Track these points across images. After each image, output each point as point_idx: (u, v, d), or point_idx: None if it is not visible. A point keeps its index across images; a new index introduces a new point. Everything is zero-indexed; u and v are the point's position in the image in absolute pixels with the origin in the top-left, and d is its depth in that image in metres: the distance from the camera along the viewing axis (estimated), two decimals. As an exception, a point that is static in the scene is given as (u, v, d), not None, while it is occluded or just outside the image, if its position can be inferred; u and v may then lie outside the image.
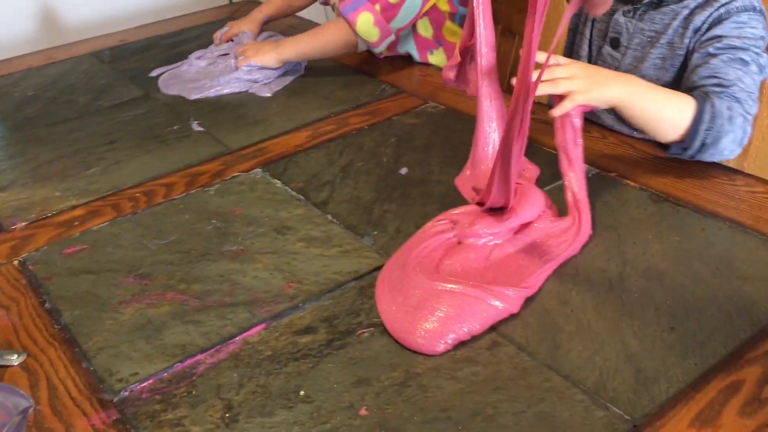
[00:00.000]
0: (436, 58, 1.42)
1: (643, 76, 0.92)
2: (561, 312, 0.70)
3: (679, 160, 0.91)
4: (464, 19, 1.49)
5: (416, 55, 1.38)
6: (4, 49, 1.59)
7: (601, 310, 0.70)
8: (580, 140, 0.82)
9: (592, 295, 0.72)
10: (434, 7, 1.37)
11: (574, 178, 0.82)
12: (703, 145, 0.86)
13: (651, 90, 0.86)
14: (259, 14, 1.48)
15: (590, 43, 1.08)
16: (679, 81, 0.96)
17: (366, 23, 1.24)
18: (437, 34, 1.41)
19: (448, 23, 1.42)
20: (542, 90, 0.80)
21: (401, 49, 1.36)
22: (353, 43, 1.28)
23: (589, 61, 1.08)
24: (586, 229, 0.80)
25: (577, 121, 0.81)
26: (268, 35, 1.47)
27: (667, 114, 0.86)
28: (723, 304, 0.69)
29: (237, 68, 1.30)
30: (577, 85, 0.81)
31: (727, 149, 0.87)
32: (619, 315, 0.69)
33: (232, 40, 1.43)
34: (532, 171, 0.92)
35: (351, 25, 1.25)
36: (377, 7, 1.24)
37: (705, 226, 0.81)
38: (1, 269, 0.83)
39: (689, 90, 0.90)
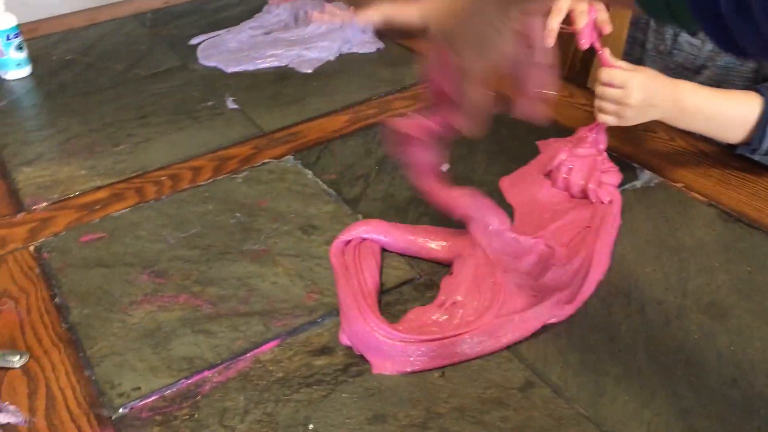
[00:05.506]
0: None
1: (726, 63, 0.88)
2: (607, 350, 0.62)
3: (756, 172, 0.81)
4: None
5: None
6: (44, 8, 1.55)
7: (653, 352, 0.62)
8: None
9: (644, 331, 0.64)
10: None
11: None
12: None
13: (703, 96, 0.80)
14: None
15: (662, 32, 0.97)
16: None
17: None
18: None
19: None
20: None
21: None
22: None
23: (662, 52, 0.97)
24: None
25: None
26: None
27: (727, 115, 0.80)
28: (797, 354, 0.60)
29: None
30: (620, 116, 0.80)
31: None
32: (674, 359, 0.61)
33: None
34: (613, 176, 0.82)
35: None
36: None
37: (782, 254, 0.72)
38: (17, 255, 0.80)
39: None
